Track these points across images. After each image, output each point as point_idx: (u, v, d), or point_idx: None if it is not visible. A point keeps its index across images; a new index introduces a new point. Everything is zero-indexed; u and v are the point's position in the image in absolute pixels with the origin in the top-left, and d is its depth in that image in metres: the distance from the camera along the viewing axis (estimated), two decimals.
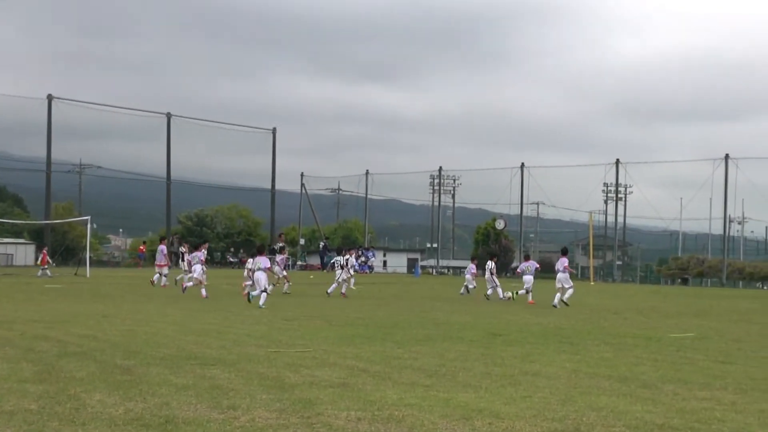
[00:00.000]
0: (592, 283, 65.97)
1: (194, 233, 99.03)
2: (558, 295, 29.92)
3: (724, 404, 10.27)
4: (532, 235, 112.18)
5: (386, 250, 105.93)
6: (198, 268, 32.32)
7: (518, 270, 33.32)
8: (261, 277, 26.57)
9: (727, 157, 73.87)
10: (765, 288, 76.59)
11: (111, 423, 8.50)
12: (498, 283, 35.30)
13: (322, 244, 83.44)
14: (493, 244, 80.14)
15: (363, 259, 75.70)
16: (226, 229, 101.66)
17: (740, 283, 79.70)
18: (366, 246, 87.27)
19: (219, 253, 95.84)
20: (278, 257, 37.71)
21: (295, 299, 31.08)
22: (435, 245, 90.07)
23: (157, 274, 39.86)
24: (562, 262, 30.89)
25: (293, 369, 12.22)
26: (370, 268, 74.40)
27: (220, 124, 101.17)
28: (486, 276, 35.92)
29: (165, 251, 40.14)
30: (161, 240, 44.33)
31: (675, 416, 9.43)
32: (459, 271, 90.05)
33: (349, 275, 34.70)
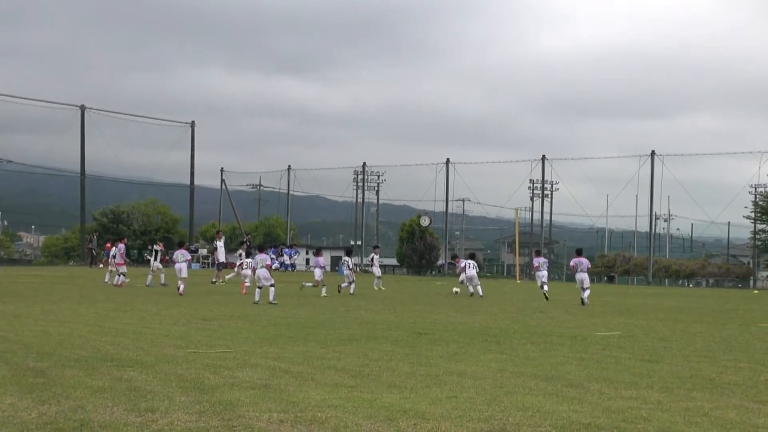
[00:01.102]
0: (518, 282, 66.55)
1: (110, 230, 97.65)
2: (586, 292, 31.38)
3: (650, 403, 10.27)
4: (457, 233, 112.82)
5: (309, 248, 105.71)
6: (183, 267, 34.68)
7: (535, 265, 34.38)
8: (263, 274, 27.90)
9: (653, 153, 74.83)
10: (691, 286, 77.96)
11: (23, 427, 8.25)
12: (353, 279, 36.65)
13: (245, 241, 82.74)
14: (418, 241, 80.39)
15: (283, 258, 75.24)
16: (143, 226, 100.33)
17: (666, 280, 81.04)
18: (288, 244, 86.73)
19: (136, 251, 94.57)
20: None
21: (216, 298, 30.71)
22: (359, 242, 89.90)
23: (108, 274, 40.82)
24: (585, 263, 32.11)
25: (213, 370, 11.99)
26: (293, 266, 73.93)
27: (136, 118, 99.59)
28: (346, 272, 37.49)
29: (123, 250, 40.95)
30: (121, 240, 44.20)
31: (601, 415, 9.40)
32: (383, 269, 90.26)
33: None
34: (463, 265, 36.77)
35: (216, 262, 47.17)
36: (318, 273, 35.52)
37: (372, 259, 42.25)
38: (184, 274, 27.76)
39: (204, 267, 73.27)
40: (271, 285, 27.87)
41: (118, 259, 40.55)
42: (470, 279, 35.47)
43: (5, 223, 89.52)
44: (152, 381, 10.98)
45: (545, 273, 36.54)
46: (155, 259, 43.02)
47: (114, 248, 42.49)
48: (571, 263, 32.71)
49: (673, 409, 9.94)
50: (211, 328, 18.68)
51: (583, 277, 31.20)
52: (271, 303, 27.09)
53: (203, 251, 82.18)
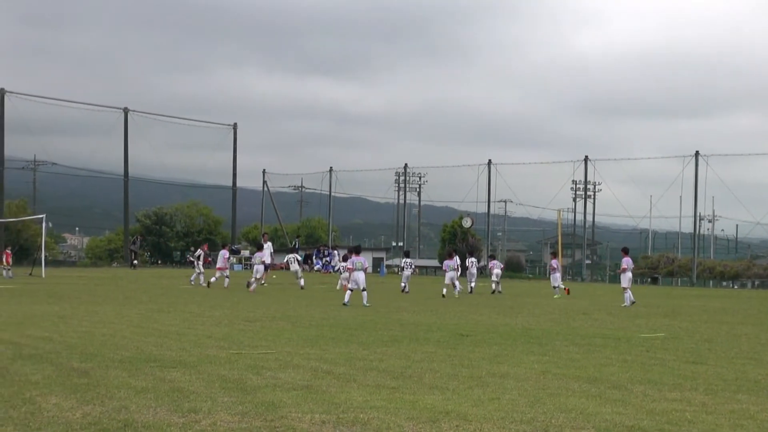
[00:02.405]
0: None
1: (153, 232, 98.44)
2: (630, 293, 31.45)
3: (695, 405, 10.16)
4: (499, 234, 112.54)
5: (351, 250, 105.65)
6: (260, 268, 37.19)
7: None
8: (360, 277, 28.01)
9: (697, 154, 74.12)
10: (735, 287, 77.15)
11: (68, 427, 8.28)
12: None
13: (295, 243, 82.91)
14: (460, 242, 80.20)
15: (327, 259, 75.37)
16: (186, 228, 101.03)
17: (710, 282, 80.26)
18: (330, 245, 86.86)
19: (178, 253, 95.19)
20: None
21: (258, 299, 30.81)
22: (400, 244, 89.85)
23: (215, 276, 41.24)
24: (629, 262, 32.28)
25: (256, 371, 12.00)
26: (334, 268, 74.05)
27: (179, 120, 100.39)
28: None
29: (226, 255, 41.54)
30: (223, 246, 45.02)
31: (645, 418, 9.31)
32: (425, 270, 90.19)
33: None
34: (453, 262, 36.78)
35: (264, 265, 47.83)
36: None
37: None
38: (363, 283, 27.59)
39: (246, 268, 73.47)
40: (363, 289, 27.95)
41: (219, 263, 41.63)
42: (450, 278, 34.93)
43: (50, 224, 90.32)
44: (195, 382, 11.02)
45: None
46: (198, 259, 44.37)
47: (201, 251, 44.97)
48: (625, 264, 32.31)
49: (718, 411, 9.83)
50: (253, 329, 18.73)
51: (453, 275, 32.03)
52: (364, 305, 27.21)
53: (246, 252, 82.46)
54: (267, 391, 10.38)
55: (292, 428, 8.43)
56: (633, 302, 30.99)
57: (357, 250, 30.25)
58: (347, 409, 9.35)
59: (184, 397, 9.88)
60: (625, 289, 31.70)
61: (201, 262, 44.25)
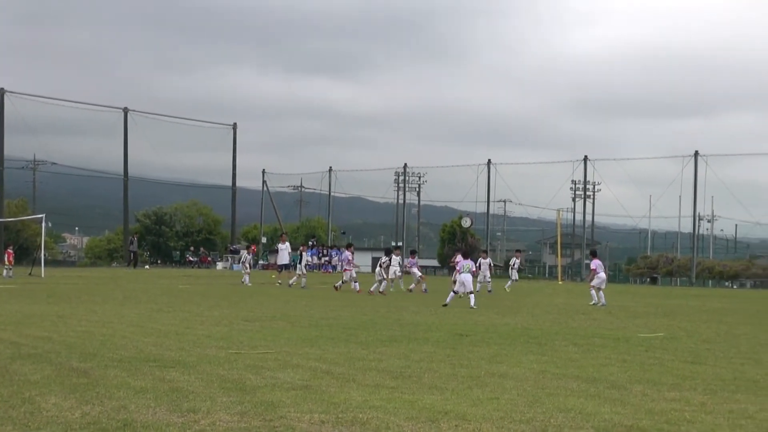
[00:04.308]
0: (560, 283, 66.25)
1: (152, 231, 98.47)
2: (602, 294, 31.20)
3: (694, 405, 10.18)
4: (499, 234, 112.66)
5: (305, 249, 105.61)
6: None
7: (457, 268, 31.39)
8: (467, 280, 27.98)
9: (696, 154, 74.15)
10: (735, 287, 77.20)
11: (67, 427, 8.29)
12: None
13: (311, 243, 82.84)
14: (459, 242, 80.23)
15: (327, 258, 75.41)
16: (186, 228, 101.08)
17: (710, 282, 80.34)
18: (329, 245, 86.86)
19: (178, 252, 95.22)
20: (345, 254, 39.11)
21: (258, 299, 30.82)
22: (400, 244, 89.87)
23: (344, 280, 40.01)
24: (598, 264, 32.03)
25: (255, 371, 12.01)
26: (334, 267, 74.08)
27: (179, 120, 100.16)
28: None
29: (350, 257, 40.23)
30: (348, 246, 43.80)
31: (644, 417, 9.33)
32: (425, 270, 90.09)
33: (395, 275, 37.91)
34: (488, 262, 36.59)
35: (278, 264, 48.50)
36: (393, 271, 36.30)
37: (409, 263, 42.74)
38: (470, 286, 28.30)
39: (264, 269, 73.71)
40: (471, 292, 27.91)
41: (346, 265, 40.81)
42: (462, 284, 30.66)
43: (49, 224, 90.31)
44: (194, 381, 11.02)
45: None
46: (300, 261, 44.63)
47: (246, 254, 46.53)
48: (594, 266, 32.19)
49: (717, 411, 9.84)
50: (252, 329, 18.73)
51: (604, 277, 30.74)
52: (471, 308, 27.13)
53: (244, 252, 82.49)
54: (266, 391, 10.39)
55: (291, 428, 8.43)
56: (603, 305, 30.35)
57: (465, 254, 30.14)
58: (346, 409, 9.35)
59: (183, 397, 9.88)
60: (594, 287, 31.58)
61: (248, 264, 45.42)
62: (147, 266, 74.54)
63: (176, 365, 12.45)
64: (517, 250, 56.46)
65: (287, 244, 47.73)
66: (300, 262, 43.63)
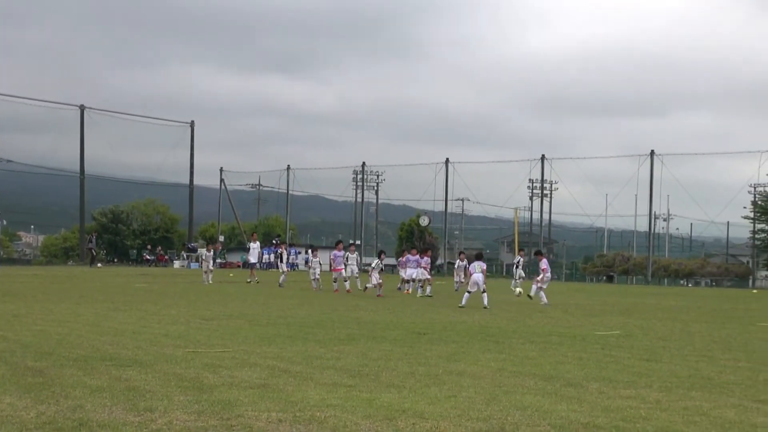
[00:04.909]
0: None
1: (109, 230, 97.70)
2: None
3: (649, 402, 10.26)
4: (456, 232, 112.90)
5: (309, 248, 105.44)
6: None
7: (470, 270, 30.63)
8: (480, 279, 28.09)
9: (652, 153, 74.88)
10: (690, 285, 78.01)
11: (22, 427, 8.21)
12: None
13: (274, 241, 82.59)
14: (417, 240, 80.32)
15: (292, 257, 75.31)
16: (143, 226, 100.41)
17: (665, 280, 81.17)
18: (288, 243, 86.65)
19: (135, 251, 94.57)
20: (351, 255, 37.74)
21: (215, 298, 30.67)
22: (358, 242, 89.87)
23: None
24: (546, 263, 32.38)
25: (212, 369, 11.96)
26: (293, 265, 73.97)
27: (136, 117, 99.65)
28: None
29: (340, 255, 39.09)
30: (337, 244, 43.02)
31: (600, 415, 9.39)
32: (382, 268, 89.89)
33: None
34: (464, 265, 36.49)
35: (248, 263, 48.28)
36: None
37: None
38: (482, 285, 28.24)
39: (222, 267, 73.38)
40: (484, 291, 27.95)
41: (337, 264, 39.50)
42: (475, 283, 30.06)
43: (4, 222, 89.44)
44: (151, 380, 10.95)
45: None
46: (281, 260, 44.78)
47: (280, 250, 45.83)
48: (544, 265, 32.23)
49: (672, 408, 9.93)
50: (210, 327, 18.65)
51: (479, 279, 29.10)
52: (485, 308, 27.19)
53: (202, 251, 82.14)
54: (223, 390, 10.35)
55: (249, 427, 8.41)
56: (546, 304, 30.22)
57: (478, 256, 30.07)
58: (304, 408, 9.34)
59: (139, 396, 9.82)
60: (541, 287, 31.75)
61: (284, 263, 44.50)
62: (99, 264, 73.89)
63: (133, 364, 12.37)
64: (521, 249, 56.44)
65: (258, 243, 47.73)
66: (281, 261, 43.46)
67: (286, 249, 44.29)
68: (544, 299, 31.02)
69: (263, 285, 42.86)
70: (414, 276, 36.87)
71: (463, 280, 39.38)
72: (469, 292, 28.51)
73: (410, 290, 37.33)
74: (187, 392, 10.15)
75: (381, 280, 34.36)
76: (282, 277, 41.87)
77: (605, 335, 19.13)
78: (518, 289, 37.44)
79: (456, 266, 41.93)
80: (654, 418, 9.33)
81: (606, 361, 14.22)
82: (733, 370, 13.42)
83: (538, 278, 32.25)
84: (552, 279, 47.13)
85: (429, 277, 36.56)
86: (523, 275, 46.68)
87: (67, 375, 11.26)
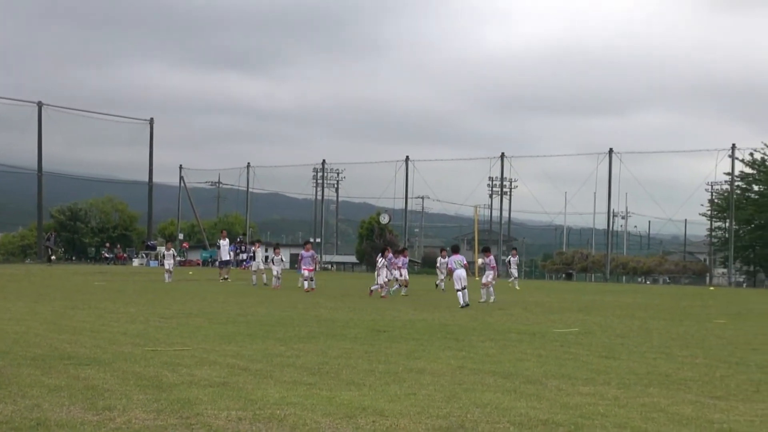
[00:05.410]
0: (476, 279, 66.54)
1: (67, 228, 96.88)
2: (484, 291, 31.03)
3: (608, 399, 10.34)
4: (416, 230, 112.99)
5: (269, 246, 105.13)
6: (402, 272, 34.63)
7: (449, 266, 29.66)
8: (462, 275, 27.33)
9: (611, 151, 75.36)
10: (648, 283, 78.68)
11: None
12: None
13: (238, 239, 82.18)
14: (378, 238, 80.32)
15: (250, 255, 75.02)
16: (101, 224, 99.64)
17: (624, 277, 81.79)
18: (248, 241, 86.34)
19: (93, 249, 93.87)
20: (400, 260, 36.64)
21: (174, 296, 30.53)
22: (318, 240, 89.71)
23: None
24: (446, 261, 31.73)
25: (171, 368, 11.91)
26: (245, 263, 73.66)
27: (95, 114, 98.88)
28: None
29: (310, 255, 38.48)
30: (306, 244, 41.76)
31: (559, 411, 9.44)
32: (343, 266, 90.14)
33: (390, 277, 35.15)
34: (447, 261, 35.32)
35: (219, 260, 47.95)
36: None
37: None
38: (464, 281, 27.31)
39: (182, 265, 72.89)
40: (464, 287, 27.17)
41: (306, 264, 38.56)
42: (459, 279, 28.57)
43: None
44: (110, 379, 10.89)
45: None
46: (253, 259, 43.89)
47: (259, 249, 43.34)
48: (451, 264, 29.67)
49: (630, 404, 10.01)
50: (169, 326, 18.57)
51: (462, 274, 28.11)
52: (466, 305, 26.72)
53: (161, 248, 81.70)
54: (183, 389, 10.31)
55: (208, 425, 8.38)
56: (466, 305, 27.33)
57: (455, 249, 29.56)
58: (264, 406, 9.32)
59: (98, 395, 9.76)
60: (488, 285, 31.07)
61: (256, 262, 43.03)
62: (53, 257, 73.17)
63: (91, 363, 12.29)
64: (513, 248, 56.73)
65: (227, 240, 47.59)
66: (254, 259, 43.18)
67: (259, 248, 43.81)
68: (492, 295, 30.75)
69: (221, 283, 42.75)
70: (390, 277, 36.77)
71: (444, 278, 39.14)
72: (459, 290, 27.42)
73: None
74: (146, 391, 10.10)
75: (387, 279, 33.55)
76: (254, 277, 41.58)
77: (564, 332, 19.23)
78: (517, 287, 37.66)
79: (438, 263, 41.70)
80: (612, 414, 9.39)
81: (565, 358, 14.30)
82: (690, 367, 13.54)
83: (490, 278, 31.53)
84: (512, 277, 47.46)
85: (407, 277, 36.19)
86: (516, 275, 46.72)
87: (25, 374, 11.17)
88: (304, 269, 37.13)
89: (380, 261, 34.12)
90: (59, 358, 12.80)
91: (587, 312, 26.91)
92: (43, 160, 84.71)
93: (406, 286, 35.41)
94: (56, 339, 15.39)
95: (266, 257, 43.24)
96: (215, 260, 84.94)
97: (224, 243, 46.86)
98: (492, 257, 32.64)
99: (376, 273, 35.21)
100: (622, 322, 23.15)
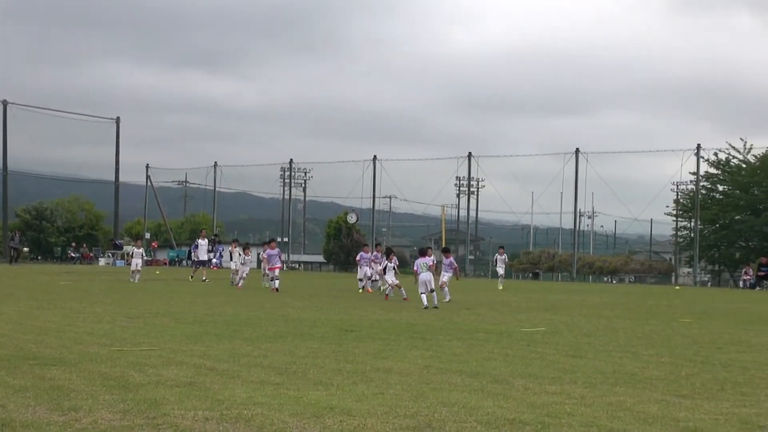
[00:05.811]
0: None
1: (33, 227, 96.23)
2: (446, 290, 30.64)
3: (574, 398, 10.38)
4: (384, 230, 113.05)
5: (236, 245, 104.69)
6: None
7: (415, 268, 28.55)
8: (427, 279, 26.74)
9: (577, 151, 75.83)
10: (614, 282, 79.13)
11: None
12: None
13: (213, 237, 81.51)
14: (345, 237, 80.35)
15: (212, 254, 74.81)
16: (67, 223, 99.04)
17: (590, 277, 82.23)
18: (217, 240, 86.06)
19: (59, 248, 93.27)
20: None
21: (140, 296, 30.38)
22: (286, 239, 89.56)
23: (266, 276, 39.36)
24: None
25: (138, 368, 11.85)
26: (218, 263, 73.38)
27: (60, 113, 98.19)
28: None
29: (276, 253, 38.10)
30: (270, 243, 40.40)
31: (526, 411, 9.47)
32: (310, 266, 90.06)
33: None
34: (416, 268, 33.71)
35: (196, 260, 47.65)
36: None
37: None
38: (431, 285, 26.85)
39: (128, 264, 72.31)
40: (432, 290, 26.62)
41: (274, 263, 38.11)
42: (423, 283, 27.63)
43: None
44: (75, 379, 10.83)
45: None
46: (231, 259, 43.57)
47: (236, 249, 42.60)
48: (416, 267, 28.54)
49: (597, 404, 10.05)
50: (135, 325, 18.47)
51: (428, 278, 27.14)
52: (435, 307, 26.24)
53: (128, 248, 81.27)
54: (149, 389, 10.27)
55: (175, 426, 8.34)
56: (435, 307, 26.68)
57: (422, 252, 28.88)
58: (231, 406, 9.30)
59: (64, 396, 9.70)
60: (422, 293, 28.01)
61: (234, 262, 42.47)
62: (16, 256, 72.54)
63: (57, 363, 12.22)
64: (501, 247, 56.66)
65: (206, 240, 47.36)
66: (232, 259, 42.89)
67: (236, 248, 43.46)
68: (448, 297, 30.38)
69: (189, 282, 42.60)
70: (370, 275, 37.00)
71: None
72: (423, 293, 26.78)
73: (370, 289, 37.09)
74: (113, 391, 10.05)
75: (398, 281, 32.41)
76: (234, 277, 41.20)
77: (531, 332, 19.30)
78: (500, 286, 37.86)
79: (359, 257, 41.69)
80: (579, 413, 9.43)
81: (531, 357, 14.36)
82: (656, 366, 13.63)
83: (445, 279, 31.15)
84: (478, 275, 47.58)
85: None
86: (502, 273, 46.80)
87: None
88: (270, 268, 36.91)
89: (387, 264, 33.67)
90: (24, 358, 12.71)
91: (554, 311, 27.01)
92: (8, 159, 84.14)
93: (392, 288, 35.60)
94: (21, 339, 15.28)
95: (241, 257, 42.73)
96: (182, 259, 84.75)
97: (202, 243, 46.51)
98: (452, 258, 32.66)
99: (378, 275, 35.74)
100: (589, 321, 23.27)
